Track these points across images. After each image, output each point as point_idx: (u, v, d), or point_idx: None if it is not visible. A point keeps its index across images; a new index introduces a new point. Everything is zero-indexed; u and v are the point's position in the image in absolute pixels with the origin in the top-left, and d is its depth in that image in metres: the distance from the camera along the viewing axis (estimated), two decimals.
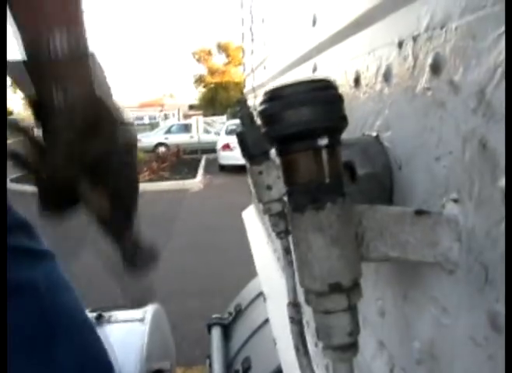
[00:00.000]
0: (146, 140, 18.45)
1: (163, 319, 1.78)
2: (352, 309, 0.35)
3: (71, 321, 0.92)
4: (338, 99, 0.33)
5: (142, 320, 1.55)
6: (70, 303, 0.95)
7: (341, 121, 0.33)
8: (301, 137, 0.31)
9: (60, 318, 0.89)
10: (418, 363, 0.41)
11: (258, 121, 0.42)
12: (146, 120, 34.55)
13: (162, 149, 17.27)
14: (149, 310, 1.68)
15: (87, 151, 0.59)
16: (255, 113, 0.39)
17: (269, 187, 0.45)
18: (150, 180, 11.97)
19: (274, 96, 0.32)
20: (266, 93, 0.33)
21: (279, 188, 0.44)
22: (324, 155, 0.32)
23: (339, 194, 0.33)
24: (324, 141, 0.31)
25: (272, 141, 0.33)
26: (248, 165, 0.48)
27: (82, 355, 0.90)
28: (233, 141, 12.30)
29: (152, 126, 25.08)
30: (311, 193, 0.32)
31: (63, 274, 0.96)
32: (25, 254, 0.88)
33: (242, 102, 0.48)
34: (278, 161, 0.40)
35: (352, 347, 0.35)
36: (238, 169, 10.46)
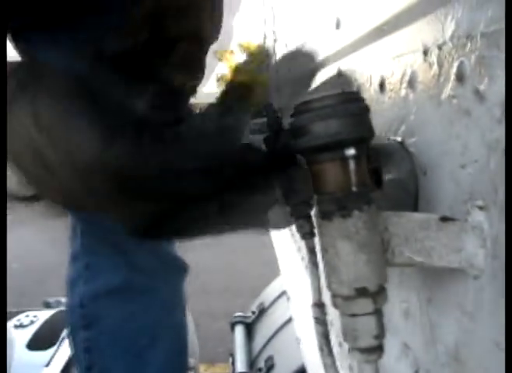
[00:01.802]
0: None
1: (186, 317, 1.80)
2: (378, 313, 0.35)
3: (172, 340, 0.98)
4: (365, 111, 0.34)
5: None
6: (177, 322, 1.00)
7: (368, 132, 0.34)
8: (329, 148, 0.32)
9: (164, 333, 0.95)
10: (442, 366, 0.41)
11: (285, 125, 0.43)
12: None
13: None
14: None
15: None
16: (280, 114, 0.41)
17: (295, 190, 0.46)
18: None
19: (303, 109, 0.33)
20: (295, 106, 0.34)
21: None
22: (351, 164, 0.33)
23: (366, 202, 0.34)
24: (351, 152, 0.32)
25: (301, 151, 0.34)
26: None
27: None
28: (256, 140, 12.28)
29: None
30: (339, 201, 0.33)
31: (183, 291, 0.97)
32: (157, 259, 0.91)
33: (269, 107, 0.50)
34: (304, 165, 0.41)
35: (377, 349, 0.36)
36: None
